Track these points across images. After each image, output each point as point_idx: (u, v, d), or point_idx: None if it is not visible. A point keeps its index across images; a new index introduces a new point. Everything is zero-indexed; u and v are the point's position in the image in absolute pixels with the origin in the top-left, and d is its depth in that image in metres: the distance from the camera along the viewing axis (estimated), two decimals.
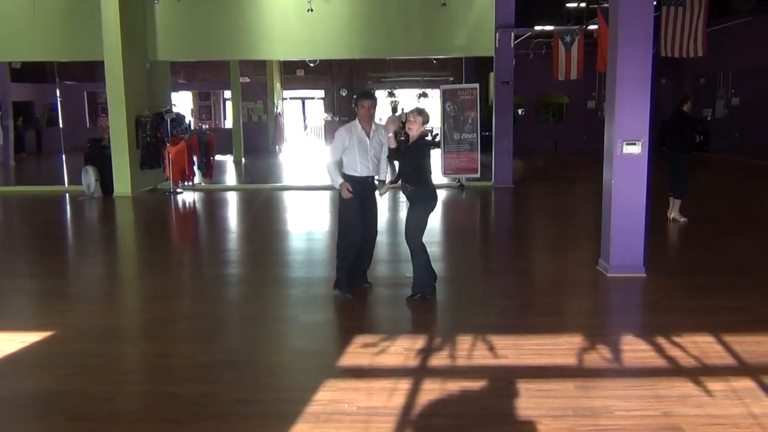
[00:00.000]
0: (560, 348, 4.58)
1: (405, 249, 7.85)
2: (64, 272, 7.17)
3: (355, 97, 6.01)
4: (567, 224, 9.66)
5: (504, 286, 6.32)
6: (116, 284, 6.69)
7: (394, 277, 6.54)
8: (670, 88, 20.91)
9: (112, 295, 6.26)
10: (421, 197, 5.58)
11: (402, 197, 12.24)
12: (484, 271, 6.99)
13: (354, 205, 5.66)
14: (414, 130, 5.59)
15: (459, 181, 13.58)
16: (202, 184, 14.12)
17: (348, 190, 5.61)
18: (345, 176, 5.71)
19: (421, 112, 5.61)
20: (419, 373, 4.17)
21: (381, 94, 26.69)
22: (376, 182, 5.80)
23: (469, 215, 11.12)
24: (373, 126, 5.76)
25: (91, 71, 24.38)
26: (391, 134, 5.70)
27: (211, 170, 13.98)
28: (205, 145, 13.70)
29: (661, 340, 4.71)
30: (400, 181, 5.64)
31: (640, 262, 6.39)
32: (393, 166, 6.23)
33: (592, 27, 13.29)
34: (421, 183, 5.59)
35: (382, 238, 8.63)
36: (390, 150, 5.76)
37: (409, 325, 5.24)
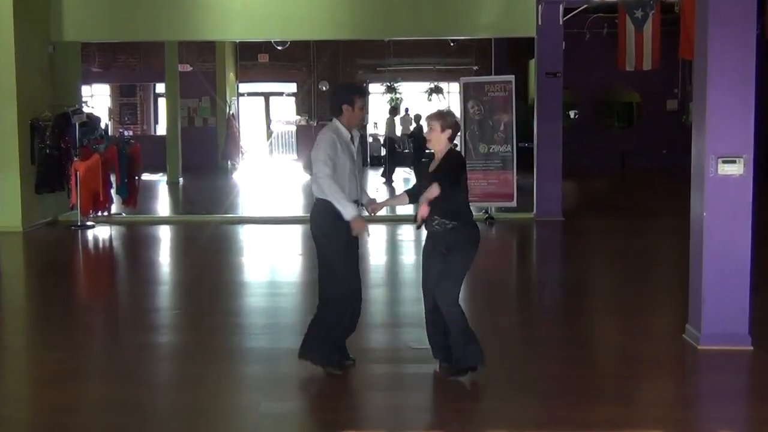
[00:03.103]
0: None
1: (408, 308, 7.85)
2: None
3: (334, 91, 6.27)
4: (640, 275, 9.66)
5: (552, 363, 6.28)
6: None
7: (393, 350, 6.50)
8: None
9: None
10: (468, 237, 5.63)
11: (404, 236, 12.27)
12: (523, 342, 6.95)
13: (343, 248, 5.72)
14: (437, 142, 5.66)
15: (487, 211, 13.63)
16: (123, 214, 14.12)
17: (366, 228, 5.67)
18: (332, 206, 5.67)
19: (442, 116, 5.68)
20: None
21: (377, 90, 26.92)
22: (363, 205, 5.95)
23: (501, 261, 11.11)
24: (356, 132, 5.99)
25: None
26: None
27: (135, 195, 13.99)
28: (128, 159, 13.75)
29: None
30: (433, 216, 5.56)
31: (744, 330, 6.37)
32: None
33: None
34: (464, 216, 5.68)
35: (376, 293, 8.62)
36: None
37: (415, 418, 5.20)
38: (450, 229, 5.55)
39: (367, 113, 26.22)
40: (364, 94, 6.00)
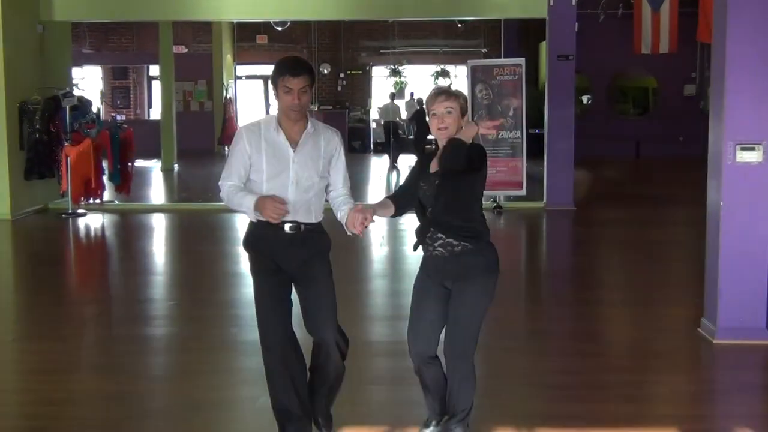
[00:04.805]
0: None
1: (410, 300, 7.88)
2: None
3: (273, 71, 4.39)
4: (654, 267, 9.68)
5: (560, 357, 6.31)
6: None
7: (395, 343, 6.53)
8: None
9: None
10: (484, 265, 4.35)
11: (405, 225, 12.29)
12: (530, 335, 6.99)
13: (267, 283, 4.64)
14: (456, 130, 4.32)
15: (494, 200, 13.65)
16: (116, 201, 14.17)
17: (280, 203, 4.36)
18: (253, 225, 4.73)
19: (458, 96, 4.38)
20: None
21: (381, 72, 26.91)
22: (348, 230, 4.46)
23: (510, 251, 11.12)
24: (309, 127, 4.41)
25: None
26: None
27: (128, 182, 14.04)
28: (121, 144, 13.78)
29: None
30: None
31: (762, 324, 6.39)
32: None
33: None
34: (480, 232, 4.41)
35: (378, 284, 8.66)
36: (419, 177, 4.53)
37: (417, 413, 5.22)
38: (459, 254, 4.30)
39: (370, 97, 26.24)
40: (295, 70, 4.23)
